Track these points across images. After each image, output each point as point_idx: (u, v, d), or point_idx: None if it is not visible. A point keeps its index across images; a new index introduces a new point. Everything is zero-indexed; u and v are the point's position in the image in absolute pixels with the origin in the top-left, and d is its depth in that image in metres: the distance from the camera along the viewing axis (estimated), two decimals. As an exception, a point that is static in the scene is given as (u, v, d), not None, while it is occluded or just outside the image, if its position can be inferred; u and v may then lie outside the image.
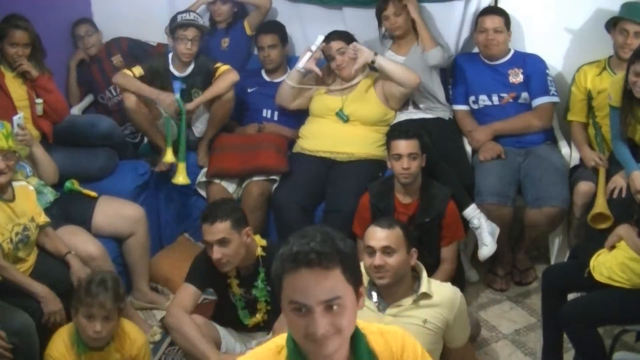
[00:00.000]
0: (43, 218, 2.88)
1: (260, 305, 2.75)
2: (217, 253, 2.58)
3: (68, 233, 3.06)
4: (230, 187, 3.59)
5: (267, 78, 3.91)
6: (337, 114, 3.59)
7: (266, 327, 2.78)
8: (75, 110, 4.00)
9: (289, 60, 3.96)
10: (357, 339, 1.51)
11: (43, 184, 3.14)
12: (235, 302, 2.77)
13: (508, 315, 3.33)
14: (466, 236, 3.33)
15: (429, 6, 3.69)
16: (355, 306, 1.46)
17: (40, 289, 2.71)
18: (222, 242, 2.57)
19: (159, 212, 3.68)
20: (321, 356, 1.43)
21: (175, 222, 3.75)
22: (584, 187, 3.27)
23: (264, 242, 2.75)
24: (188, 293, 2.69)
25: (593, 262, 2.67)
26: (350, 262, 1.43)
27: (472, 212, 3.20)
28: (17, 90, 3.38)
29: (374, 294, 2.50)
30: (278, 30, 3.84)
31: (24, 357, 2.50)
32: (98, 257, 3.02)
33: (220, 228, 2.57)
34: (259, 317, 2.78)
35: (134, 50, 4.16)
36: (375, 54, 3.48)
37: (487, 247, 3.18)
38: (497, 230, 3.21)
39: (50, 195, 3.16)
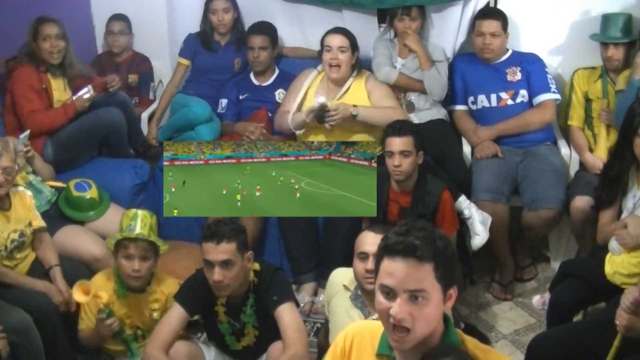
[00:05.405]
0: (38, 222, 2.86)
1: (248, 329, 2.61)
2: (218, 275, 2.42)
3: (69, 235, 3.06)
4: None
5: (255, 82, 3.90)
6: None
7: (256, 351, 2.65)
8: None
9: (278, 62, 3.97)
10: (448, 329, 1.60)
11: (43, 183, 3.16)
12: (221, 329, 2.64)
13: (507, 315, 3.33)
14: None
15: (427, 9, 3.69)
16: (439, 306, 1.55)
17: (40, 284, 2.73)
18: (226, 263, 2.42)
19: (159, 211, 3.66)
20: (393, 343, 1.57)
21: (176, 222, 3.74)
22: (579, 202, 3.21)
23: (257, 266, 2.60)
24: (173, 320, 2.53)
25: (608, 265, 2.63)
26: (445, 262, 1.53)
27: (462, 204, 3.20)
28: (62, 96, 3.47)
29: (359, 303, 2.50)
30: (269, 31, 3.82)
31: (26, 354, 2.52)
32: (103, 258, 2.99)
33: (226, 249, 2.42)
34: (246, 340, 2.63)
35: (142, 77, 4.19)
36: (355, 106, 3.39)
37: (479, 236, 3.17)
38: (489, 220, 3.20)
39: (49, 194, 3.18)
